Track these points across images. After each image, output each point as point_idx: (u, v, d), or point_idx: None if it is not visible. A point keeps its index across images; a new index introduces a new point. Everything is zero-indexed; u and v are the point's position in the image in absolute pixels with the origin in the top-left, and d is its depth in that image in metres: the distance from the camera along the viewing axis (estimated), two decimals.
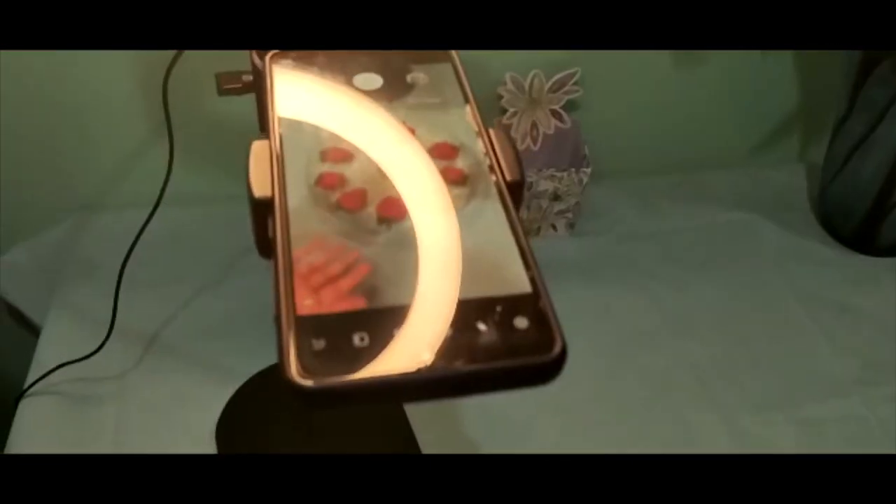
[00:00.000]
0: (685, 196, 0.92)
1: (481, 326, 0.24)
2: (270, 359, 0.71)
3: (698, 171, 0.95)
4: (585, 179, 0.81)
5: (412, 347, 0.23)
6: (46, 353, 0.73)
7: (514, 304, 0.24)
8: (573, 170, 0.80)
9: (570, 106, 0.85)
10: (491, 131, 0.30)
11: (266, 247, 0.27)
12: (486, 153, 0.29)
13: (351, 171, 0.28)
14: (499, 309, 0.24)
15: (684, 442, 0.68)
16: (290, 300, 0.24)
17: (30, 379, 0.70)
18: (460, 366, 0.23)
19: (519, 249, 0.26)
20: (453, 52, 0.34)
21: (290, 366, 0.22)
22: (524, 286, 0.25)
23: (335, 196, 0.28)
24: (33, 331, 0.84)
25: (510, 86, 0.83)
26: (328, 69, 0.32)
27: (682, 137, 0.95)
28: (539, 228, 0.85)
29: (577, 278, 0.82)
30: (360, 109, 0.31)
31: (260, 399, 0.70)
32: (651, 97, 0.91)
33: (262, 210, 0.27)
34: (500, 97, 0.83)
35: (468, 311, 0.24)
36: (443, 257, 0.26)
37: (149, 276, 0.78)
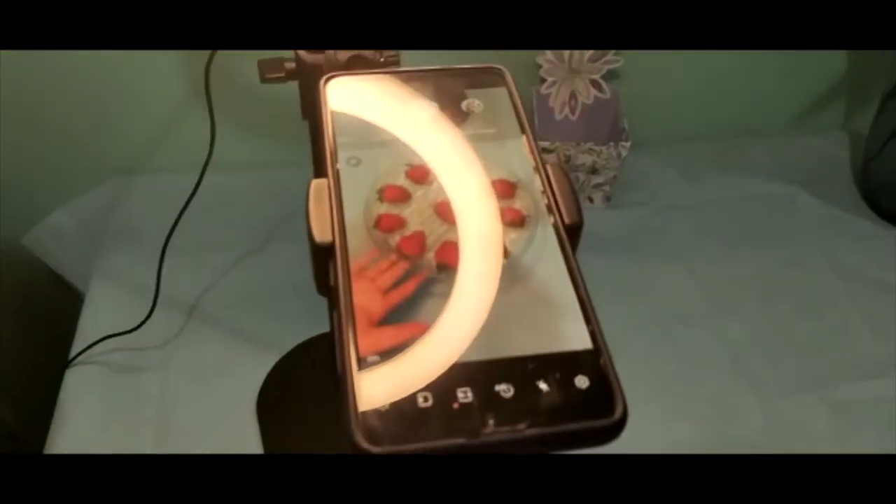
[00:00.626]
0: (725, 165, 0.91)
1: (542, 386, 0.24)
2: (311, 328, 0.72)
3: (740, 138, 0.94)
4: (624, 153, 0.80)
5: (475, 408, 0.23)
6: (90, 323, 0.75)
7: (575, 361, 0.25)
8: (612, 144, 0.79)
9: (610, 76, 0.84)
10: (548, 167, 0.30)
11: (326, 288, 0.28)
12: (544, 192, 0.29)
13: (409, 213, 0.28)
14: (560, 367, 0.24)
15: (717, 421, 0.68)
16: (355, 356, 0.24)
17: (75, 349, 0.72)
18: (523, 430, 0.23)
19: (579, 300, 0.26)
20: (508, 76, 0.33)
21: (356, 430, 0.23)
22: (585, 342, 0.25)
23: (395, 240, 0.28)
24: (76, 295, 0.86)
25: (549, 55, 0.81)
26: (382, 95, 0.32)
27: (724, 105, 0.93)
28: None
29: (613, 251, 0.81)
30: (421, 140, 0.31)
31: (301, 369, 0.71)
32: (693, 65, 0.89)
33: (323, 255, 0.27)
34: (539, 66, 0.82)
35: (530, 370, 0.24)
36: (503, 310, 0.26)
37: (190, 244, 0.78)
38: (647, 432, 0.68)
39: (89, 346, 0.71)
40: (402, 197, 0.29)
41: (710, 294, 0.78)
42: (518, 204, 0.29)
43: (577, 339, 0.25)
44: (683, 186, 0.89)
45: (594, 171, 0.81)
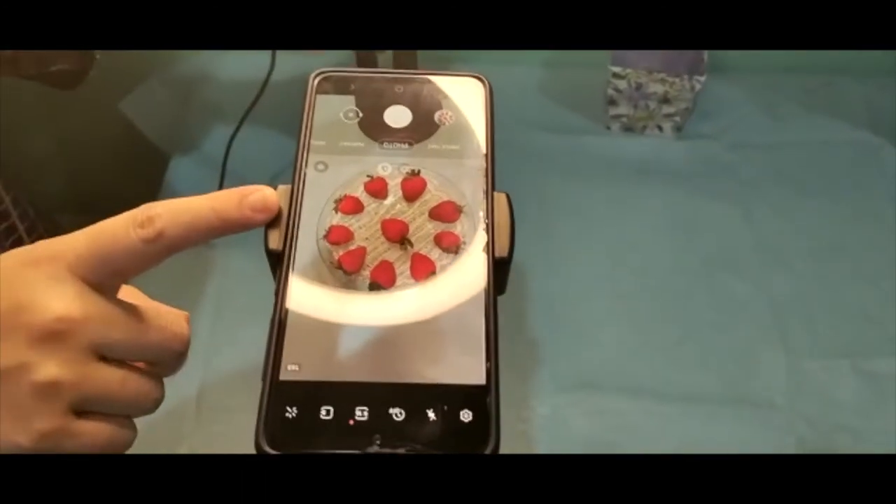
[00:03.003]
0: (814, 105, 0.86)
1: (430, 414, 0.27)
2: None
3: (836, 76, 0.88)
4: (698, 87, 0.77)
5: (367, 427, 0.26)
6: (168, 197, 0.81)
7: (465, 395, 0.27)
8: (686, 76, 0.76)
9: None
10: (495, 196, 0.31)
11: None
12: (486, 220, 0.30)
13: (358, 227, 0.30)
14: (450, 398, 0.27)
15: (740, 375, 0.69)
16: (277, 364, 0.28)
17: None
18: (402, 453, 0.26)
19: (486, 336, 0.28)
20: (487, 86, 0.33)
21: (260, 432, 0.26)
22: (479, 377, 0.27)
23: (338, 253, 0.30)
24: (162, 156, 0.92)
25: None
26: (365, 98, 0.33)
27: None
28: (644, 127, 0.83)
29: (673, 185, 0.80)
30: (384, 153, 0.32)
31: None
32: None
33: (273, 261, 0.30)
34: None
35: (422, 397, 0.27)
36: (415, 336, 0.28)
37: (271, 122, 0.81)
38: (668, 377, 0.70)
39: None
40: (356, 209, 0.31)
41: (764, 243, 0.77)
42: (458, 229, 0.30)
43: (474, 373, 0.27)
44: (763, 123, 0.85)
45: (665, 100, 0.79)
